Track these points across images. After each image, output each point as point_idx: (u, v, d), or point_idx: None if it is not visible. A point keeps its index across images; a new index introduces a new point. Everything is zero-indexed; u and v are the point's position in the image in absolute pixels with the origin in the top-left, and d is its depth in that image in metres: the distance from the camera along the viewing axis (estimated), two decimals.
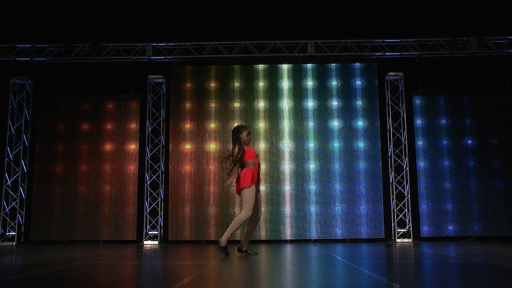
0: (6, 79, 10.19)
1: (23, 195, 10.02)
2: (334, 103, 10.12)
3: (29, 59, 10.13)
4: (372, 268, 4.81)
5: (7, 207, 9.89)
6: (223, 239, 5.93)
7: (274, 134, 10.03)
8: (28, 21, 9.73)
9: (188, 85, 10.26)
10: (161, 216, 9.91)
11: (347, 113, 10.07)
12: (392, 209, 9.83)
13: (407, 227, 9.74)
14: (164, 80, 10.28)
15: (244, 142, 6.07)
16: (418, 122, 10.05)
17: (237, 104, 10.14)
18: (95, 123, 10.18)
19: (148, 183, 9.95)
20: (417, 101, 10.12)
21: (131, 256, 6.94)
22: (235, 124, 9.89)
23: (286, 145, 9.98)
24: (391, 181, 9.93)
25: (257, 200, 6.06)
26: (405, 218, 9.79)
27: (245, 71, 10.30)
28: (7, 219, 9.86)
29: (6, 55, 10.08)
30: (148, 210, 9.88)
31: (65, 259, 5.91)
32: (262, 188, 9.77)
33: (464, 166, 9.90)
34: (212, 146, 9.98)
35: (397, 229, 9.75)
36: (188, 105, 10.16)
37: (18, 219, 9.87)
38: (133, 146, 10.10)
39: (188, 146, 10.01)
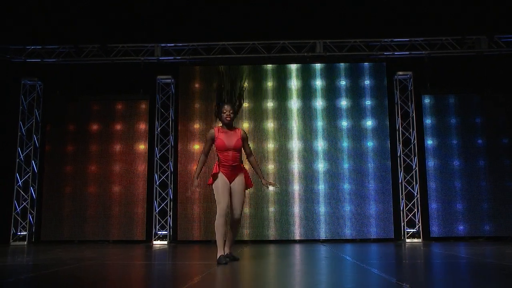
0: (17, 80, 10.28)
1: (34, 195, 10.10)
2: (343, 102, 10.09)
3: (39, 60, 10.21)
4: (381, 268, 4.80)
5: (18, 207, 9.97)
6: (218, 252, 5.13)
7: (282, 134, 10.02)
8: (38, 22, 9.80)
9: (197, 85, 10.28)
10: (170, 216, 9.93)
11: (356, 112, 10.04)
12: (401, 209, 9.79)
13: (416, 227, 9.69)
14: (173, 80, 10.31)
15: (223, 122, 5.24)
16: (427, 121, 9.99)
17: (245, 104, 10.13)
18: (105, 123, 10.24)
19: (157, 183, 9.99)
20: (426, 101, 10.06)
21: (141, 256, 6.97)
22: (244, 124, 9.93)
23: (295, 145, 9.96)
24: (400, 180, 9.88)
25: (235, 198, 5.24)
26: (415, 218, 9.74)
27: (253, 71, 10.30)
28: (19, 219, 9.94)
29: (17, 56, 10.17)
30: (157, 210, 9.91)
31: (76, 258, 5.95)
32: (272, 187, 9.75)
33: (474, 165, 9.82)
34: None
35: (407, 229, 9.70)
36: (197, 105, 10.18)
37: (29, 219, 9.95)
38: (142, 147, 10.14)
39: (197, 146, 10.03)
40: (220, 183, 5.16)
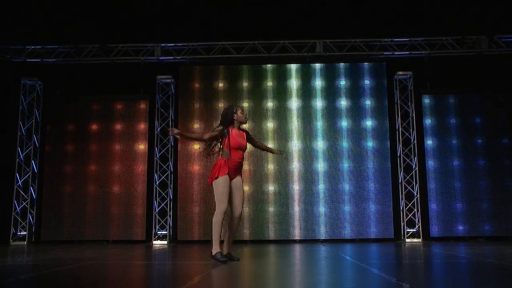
0: (17, 80, 10.28)
1: (33, 195, 10.10)
2: (343, 102, 10.09)
3: (39, 60, 10.21)
4: (381, 268, 4.80)
5: (18, 207, 9.97)
6: (213, 249, 5.13)
7: (282, 134, 10.02)
8: (38, 22, 9.80)
9: (197, 85, 10.29)
10: (170, 216, 9.94)
11: (356, 112, 10.04)
12: (401, 209, 9.79)
13: (416, 227, 9.69)
14: (172, 80, 10.31)
15: (242, 122, 5.43)
16: (427, 121, 10.00)
17: (245, 104, 10.14)
18: (104, 123, 10.24)
19: (157, 183, 9.99)
20: (426, 101, 10.07)
21: (141, 256, 6.97)
22: (244, 124, 9.92)
23: (295, 145, 9.96)
24: (400, 180, 9.88)
25: (239, 194, 5.32)
26: (415, 218, 9.75)
27: (253, 71, 10.30)
28: (18, 219, 9.94)
29: (17, 56, 10.17)
30: (157, 210, 9.92)
31: (76, 258, 5.95)
32: (272, 187, 9.78)
33: (474, 165, 9.82)
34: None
35: (407, 229, 9.70)
36: (196, 105, 10.19)
37: (29, 219, 9.95)
38: (142, 146, 10.15)
39: (196, 146, 10.02)
40: (223, 182, 5.18)
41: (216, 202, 5.21)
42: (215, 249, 5.11)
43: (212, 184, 5.24)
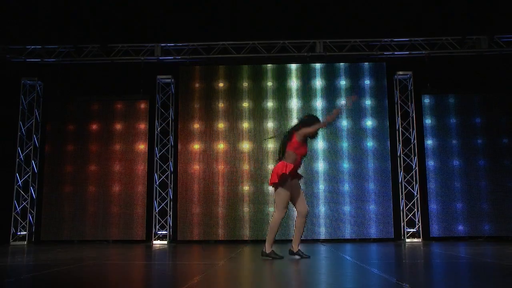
0: (17, 80, 10.28)
1: (34, 195, 10.10)
2: (343, 102, 10.09)
3: (39, 60, 10.21)
4: (381, 268, 4.80)
5: (18, 207, 9.97)
6: (267, 247, 5.58)
7: (282, 134, 10.01)
8: (38, 22, 9.79)
9: (197, 85, 10.28)
10: (170, 216, 9.93)
11: (356, 112, 10.03)
12: (401, 208, 9.79)
13: (416, 227, 9.69)
14: (172, 80, 10.31)
15: (308, 135, 5.84)
16: (428, 121, 9.99)
17: (245, 104, 10.14)
18: (104, 123, 10.24)
19: (157, 183, 9.99)
20: (426, 100, 10.06)
21: (141, 256, 6.97)
22: (244, 124, 9.97)
23: None
24: (400, 180, 9.88)
25: (300, 193, 5.70)
26: (415, 218, 9.75)
27: (253, 71, 10.30)
28: (18, 219, 9.94)
29: (17, 56, 10.17)
30: (157, 210, 9.91)
31: (75, 259, 5.96)
32: (272, 187, 9.76)
33: (474, 165, 9.82)
34: (221, 146, 9.99)
35: (407, 229, 9.70)
36: (196, 105, 10.18)
37: (29, 219, 9.95)
38: (142, 146, 10.14)
39: (196, 146, 10.03)
40: (286, 191, 5.54)
41: (276, 208, 5.60)
42: (268, 248, 5.56)
43: (273, 186, 5.60)
